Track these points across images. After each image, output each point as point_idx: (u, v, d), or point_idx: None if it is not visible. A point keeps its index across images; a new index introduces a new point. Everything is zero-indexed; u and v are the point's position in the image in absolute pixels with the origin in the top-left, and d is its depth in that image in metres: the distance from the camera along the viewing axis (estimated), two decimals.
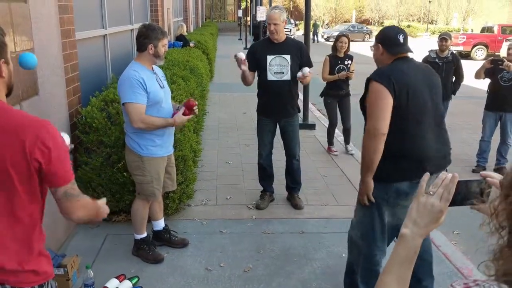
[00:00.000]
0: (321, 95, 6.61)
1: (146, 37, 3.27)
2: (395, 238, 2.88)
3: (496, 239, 0.93)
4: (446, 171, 3.02)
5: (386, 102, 2.61)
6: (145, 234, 3.64)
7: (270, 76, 4.34)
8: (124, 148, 3.62)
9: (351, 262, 3.17)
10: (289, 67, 4.34)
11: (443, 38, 6.27)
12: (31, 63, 1.99)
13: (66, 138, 1.93)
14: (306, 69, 4.23)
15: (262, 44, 4.55)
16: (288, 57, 4.34)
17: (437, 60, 6.18)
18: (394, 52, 2.80)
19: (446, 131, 2.91)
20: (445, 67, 6.19)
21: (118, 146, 3.88)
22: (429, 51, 6.49)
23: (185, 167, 4.25)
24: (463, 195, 1.16)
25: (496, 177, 1.22)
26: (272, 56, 4.32)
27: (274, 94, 4.38)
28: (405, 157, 2.69)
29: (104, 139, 3.92)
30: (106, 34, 6.03)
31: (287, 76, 4.36)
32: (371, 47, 2.97)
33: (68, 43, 4.08)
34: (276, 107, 4.44)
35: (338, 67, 6.33)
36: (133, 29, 7.83)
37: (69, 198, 1.63)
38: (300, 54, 4.41)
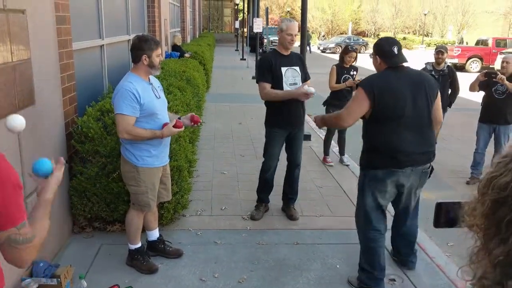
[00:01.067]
0: (324, 104, 6.64)
1: (139, 48, 3.30)
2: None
3: (473, 243, 0.97)
4: (430, 167, 3.45)
5: (360, 104, 3.21)
6: (139, 244, 3.63)
7: (286, 87, 4.37)
8: (119, 158, 3.62)
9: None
10: (300, 77, 4.43)
11: (440, 51, 6.34)
12: (46, 171, 1.72)
13: (20, 121, 1.77)
14: (312, 89, 4.24)
15: (273, 56, 4.50)
16: (297, 68, 4.44)
17: (433, 72, 6.24)
18: (390, 63, 3.26)
19: (431, 132, 3.37)
20: (441, 79, 6.25)
21: (114, 156, 3.89)
22: (425, 64, 6.56)
23: (180, 177, 4.25)
24: (454, 213, 1.17)
25: None
26: (286, 68, 4.38)
27: (290, 104, 4.39)
28: (380, 149, 3.24)
29: (99, 149, 3.93)
30: (103, 44, 6.06)
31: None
32: (370, 55, 3.51)
33: (65, 53, 4.11)
34: (292, 117, 4.47)
35: (344, 76, 6.43)
36: (130, 39, 7.87)
37: (12, 245, 1.40)
38: (303, 66, 4.52)
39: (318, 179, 5.91)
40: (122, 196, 3.93)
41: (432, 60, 6.48)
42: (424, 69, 6.41)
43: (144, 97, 3.24)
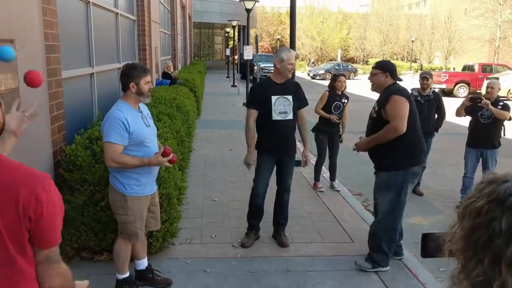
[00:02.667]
0: (313, 130, 6.65)
1: (127, 76, 3.31)
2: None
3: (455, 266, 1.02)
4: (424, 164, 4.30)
5: (406, 109, 3.85)
6: (127, 274, 3.57)
7: (275, 116, 4.40)
8: (108, 186, 3.59)
9: (375, 231, 4.19)
10: (291, 107, 4.45)
11: (424, 77, 6.44)
12: (9, 56, 1.89)
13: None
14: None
15: (265, 84, 4.60)
16: (290, 97, 4.45)
17: (419, 98, 6.31)
18: (395, 77, 4.04)
19: None
20: (427, 105, 6.33)
21: (102, 184, 3.86)
22: (411, 90, 6.64)
23: (169, 205, 4.22)
24: (436, 243, 1.20)
25: None
26: (276, 97, 4.41)
27: (279, 133, 4.43)
28: (416, 146, 3.95)
29: (87, 177, 3.90)
30: (93, 73, 6.09)
31: (290, 116, 4.45)
32: (373, 73, 4.07)
33: (54, 81, 4.12)
34: (281, 145, 4.50)
35: (335, 103, 6.47)
36: (120, 67, 7.92)
37: (49, 263, 1.52)
38: (298, 94, 4.53)
39: (308, 205, 5.89)
40: (111, 225, 3.88)
41: (419, 86, 6.57)
42: (410, 94, 6.49)
43: (133, 126, 3.24)
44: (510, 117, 5.98)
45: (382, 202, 4.05)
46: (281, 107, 4.42)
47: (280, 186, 4.70)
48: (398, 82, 4.05)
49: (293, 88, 4.54)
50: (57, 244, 1.54)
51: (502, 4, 40.18)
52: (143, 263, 3.73)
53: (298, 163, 7.86)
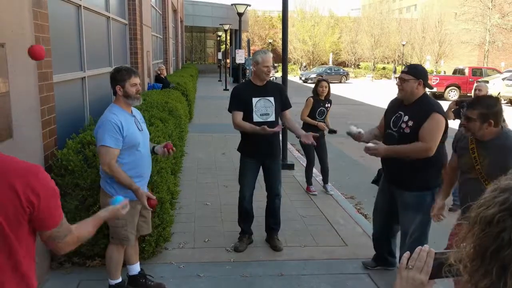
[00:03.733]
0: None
1: (113, 79, 3.31)
2: None
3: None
4: None
5: (442, 132, 3.56)
6: (119, 279, 3.54)
7: (256, 118, 4.39)
8: (97, 191, 3.56)
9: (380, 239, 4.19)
10: (274, 108, 4.43)
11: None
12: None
13: None
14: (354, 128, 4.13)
15: (245, 86, 4.61)
16: (272, 99, 4.44)
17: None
18: (428, 86, 3.72)
19: None
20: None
21: (94, 189, 3.83)
22: (397, 94, 6.66)
23: (162, 210, 4.19)
24: (438, 262, 1.20)
25: None
26: (257, 99, 4.40)
27: (260, 134, 4.41)
28: (442, 165, 3.70)
29: (79, 181, 3.87)
30: (85, 77, 6.05)
31: (272, 117, 4.44)
32: (404, 79, 3.65)
33: (45, 85, 4.08)
34: (263, 148, 4.48)
35: (319, 109, 6.45)
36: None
37: (55, 240, 1.68)
38: (281, 96, 4.52)
39: (301, 208, 5.89)
40: (103, 230, 3.84)
41: None
42: (395, 99, 6.51)
43: (127, 129, 3.22)
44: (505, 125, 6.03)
45: (411, 223, 3.77)
46: (262, 109, 4.41)
47: (270, 192, 4.68)
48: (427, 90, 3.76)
49: (275, 90, 4.53)
50: (58, 223, 1.67)
51: (491, 9, 40.61)
52: (135, 268, 3.70)
53: (290, 167, 7.90)
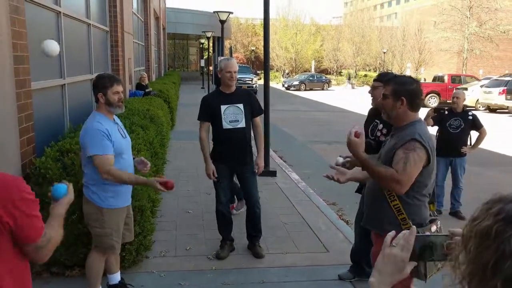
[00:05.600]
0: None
1: (95, 86, 3.29)
2: None
3: None
4: None
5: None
6: None
7: (226, 125, 4.42)
8: (79, 199, 3.51)
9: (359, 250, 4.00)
10: (243, 115, 4.45)
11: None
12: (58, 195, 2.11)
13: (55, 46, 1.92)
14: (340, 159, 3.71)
15: (214, 95, 4.66)
16: (241, 105, 4.46)
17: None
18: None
19: None
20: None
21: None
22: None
23: (142, 218, 4.16)
24: (421, 245, 1.24)
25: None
26: (226, 106, 4.43)
27: (230, 141, 4.44)
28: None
29: None
30: (64, 84, 5.99)
31: (241, 124, 4.45)
32: (375, 87, 3.20)
33: (23, 93, 4.03)
34: (233, 154, 4.48)
35: None
36: (92, 78, 7.80)
37: (38, 250, 1.67)
38: (251, 102, 4.54)
39: (283, 215, 5.89)
40: (82, 239, 3.79)
41: None
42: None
43: (113, 137, 3.20)
44: (485, 131, 6.16)
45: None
46: (231, 116, 4.43)
47: (248, 200, 4.69)
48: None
49: (244, 97, 4.56)
50: (42, 234, 1.67)
51: (469, 18, 41.46)
52: (116, 278, 3.65)
53: (273, 173, 7.91)
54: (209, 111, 4.48)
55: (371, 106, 3.86)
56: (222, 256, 4.51)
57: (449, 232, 1.30)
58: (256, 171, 4.60)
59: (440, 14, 42.45)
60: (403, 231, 1.25)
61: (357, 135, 2.79)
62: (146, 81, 12.26)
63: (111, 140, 3.16)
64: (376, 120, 3.80)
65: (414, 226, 1.26)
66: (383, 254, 1.25)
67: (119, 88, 3.32)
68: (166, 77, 22.29)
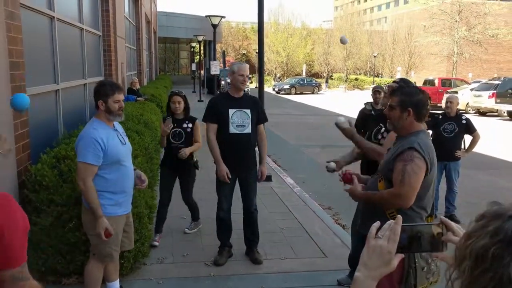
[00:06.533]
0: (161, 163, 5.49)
1: (96, 93, 3.27)
2: None
3: None
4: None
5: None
6: None
7: (232, 129, 4.39)
8: (76, 206, 3.48)
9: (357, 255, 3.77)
10: (250, 120, 4.44)
11: (376, 91, 6.53)
12: (23, 104, 1.92)
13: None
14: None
15: (222, 98, 4.64)
16: (248, 111, 4.45)
17: (372, 112, 6.43)
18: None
19: None
20: (381, 118, 6.47)
21: (70, 205, 3.74)
22: (365, 104, 6.75)
23: (140, 225, 4.13)
24: (409, 236, 1.16)
25: (453, 226, 1.23)
26: (234, 110, 4.40)
27: (237, 146, 4.41)
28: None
29: (55, 197, 3.77)
30: (58, 89, 5.94)
31: (248, 129, 4.43)
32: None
33: None
34: (238, 159, 4.46)
35: (173, 130, 5.03)
36: (86, 83, 7.76)
37: (15, 282, 1.50)
38: (257, 109, 4.53)
39: (280, 220, 5.88)
40: (79, 246, 3.75)
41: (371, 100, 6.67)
42: (364, 109, 6.60)
43: (108, 144, 3.17)
44: (478, 135, 6.21)
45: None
46: (238, 120, 4.42)
47: (246, 205, 4.67)
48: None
49: (251, 103, 4.55)
50: (22, 264, 1.52)
51: (458, 22, 41.91)
52: (115, 286, 3.61)
53: (268, 178, 7.89)
54: (216, 114, 4.44)
55: (365, 108, 3.83)
56: (220, 263, 4.48)
57: (440, 220, 1.21)
58: (259, 177, 4.60)
59: (429, 18, 42.88)
60: (389, 221, 1.16)
61: (347, 179, 2.90)
62: (138, 86, 12.21)
63: (104, 149, 3.13)
64: (380, 124, 3.83)
65: (399, 215, 1.17)
66: (368, 246, 1.15)
67: (120, 96, 3.30)
68: (158, 81, 22.23)
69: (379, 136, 3.83)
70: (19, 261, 1.51)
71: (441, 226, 1.20)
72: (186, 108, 5.11)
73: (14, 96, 1.90)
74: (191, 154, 5.08)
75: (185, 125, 5.07)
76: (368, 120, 4.75)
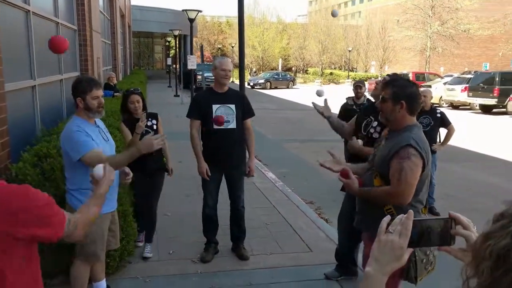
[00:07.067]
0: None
1: (73, 91, 3.17)
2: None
3: None
4: None
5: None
6: None
7: (216, 124, 4.35)
8: (60, 205, 3.38)
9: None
10: (235, 115, 4.40)
11: (358, 85, 6.63)
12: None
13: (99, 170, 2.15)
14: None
15: (206, 94, 4.62)
16: (233, 106, 4.41)
17: (354, 107, 6.49)
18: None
19: None
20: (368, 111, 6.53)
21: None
22: (346, 99, 6.82)
23: (125, 223, 4.07)
24: (419, 231, 1.16)
25: (463, 220, 1.23)
26: (217, 105, 4.36)
27: (222, 142, 4.38)
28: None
29: None
30: (35, 85, 5.78)
31: (232, 125, 4.40)
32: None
33: None
34: (223, 155, 4.43)
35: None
36: (62, 79, 7.58)
37: (68, 237, 1.79)
38: (242, 104, 4.50)
39: (264, 215, 5.89)
40: (65, 246, 3.66)
41: (352, 94, 6.74)
42: (346, 104, 6.67)
43: (93, 139, 3.09)
44: (453, 127, 6.32)
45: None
46: (223, 115, 4.39)
47: (233, 202, 4.65)
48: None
49: (236, 98, 4.53)
50: (64, 226, 1.73)
51: (431, 17, 42.64)
52: (102, 285, 3.55)
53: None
54: (200, 109, 4.41)
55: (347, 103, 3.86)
56: (207, 259, 4.46)
57: (449, 214, 1.21)
58: (247, 173, 4.57)
59: (403, 13, 43.47)
60: (399, 215, 1.15)
61: (344, 174, 2.83)
62: (115, 81, 11.98)
63: (92, 138, 3.06)
64: (371, 117, 3.86)
65: (411, 210, 1.16)
66: (379, 241, 1.14)
67: (99, 92, 3.19)
68: (133, 76, 21.93)
69: (371, 130, 3.80)
70: (61, 227, 1.72)
71: (450, 220, 1.20)
72: (144, 106, 4.70)
73: None
74: (162, 155, 4.89)
75: (150, 123, 4.65)
76: (350, 114, 4.80)
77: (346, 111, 6.40)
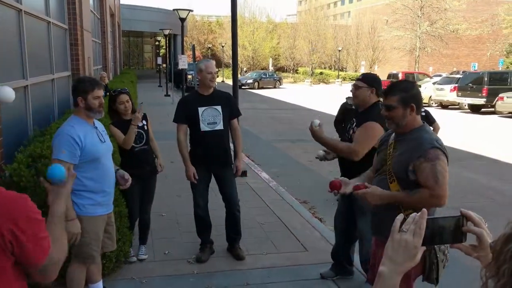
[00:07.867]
0: None
1: (74, 90, 3.18)
2: None
3: None
4: None
5: (373, 140, 3.42)
6: None
7: (204, 127, 4.35)
8: None
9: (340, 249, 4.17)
10: (221, 117, 4.40)
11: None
12: (59, 176, 1.83)
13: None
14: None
15: (191, 97, 4.60)
16: (219, 107, 4.40)
17: (353, 106, 6.52)
18: (380, 94, 3.63)
19: None
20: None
21: (48, 206, 3.61)
22: (346, 99, 6.84)
23: (121, 224, 4.04)
24: (431, 230, 1.17)
25: (475, 217, 1.23)
26: (203, 108, 4.36)
27: (210, 144, 4.38)
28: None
29: (33, 198, 3.61)
30: (27, 85, 5.73)
31: (220, 126, 4.40)
32: (358, 86, 3.72)
33: None
34: (211, 157, 4.42)
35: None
36: (54, 78, 7.52)
37: (47, 272, 1.54)
38: (229, 104, 4.50)
39: (259, 215, 5.89)
40: None
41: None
42: (345, 103, 6.69)
43: (86, 141, 3.08)
44: (438, 125, 6.38)
45: (368, 227, 3.36)
46: (209, 117, 4.37)
47: (227, 202, 4.62)
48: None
49: (222, 99, 4.51)
50: (48, 253, 1.52)
51: (420, 17, 42.96)
52: (98, 287, 3.53)
53: (244, 174, 7.87)
54: (186, 113, 4.40)
55: (347, 103, 3.97)
56: (203, 260, 4.45)
57: (461, 212, 1.22)
58: (235, 173, 4.57)
59: (393, 13, 43.74)
60: (412, 214, 1.16)
61: (361, 187, 2.77)
62: (106, 81, 11.93)
63: (80, 147, 3.04)
64: (353, 119, 3.86)
65: (424, 209, 1.16)
66: (393, 240, 1.14)
67: (100, 92, 3.21)
68: (123, 76, 21.79)
69: (351, 131, 3.77)
70: (45, 253, 1.51)
71: (461, 218, 1.22)
72: (133, 108, 4.50)
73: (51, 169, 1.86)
74: (154, 157, 4.84)
75: (140, 124, 4.38)
76: (349, 115, 4.80)
77: (345, 110, 6.42)
